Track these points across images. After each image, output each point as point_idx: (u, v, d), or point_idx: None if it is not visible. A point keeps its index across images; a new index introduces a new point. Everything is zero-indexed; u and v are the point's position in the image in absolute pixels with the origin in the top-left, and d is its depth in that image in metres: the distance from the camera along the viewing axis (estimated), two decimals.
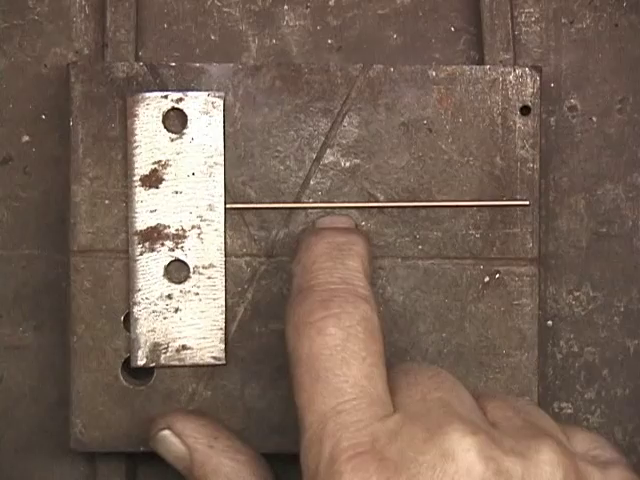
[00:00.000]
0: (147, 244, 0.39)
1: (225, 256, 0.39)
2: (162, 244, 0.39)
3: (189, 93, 0.39)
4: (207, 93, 0.39)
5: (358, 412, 0.29)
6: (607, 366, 0.42)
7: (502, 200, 0.39)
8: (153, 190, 0.39)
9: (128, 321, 0.39)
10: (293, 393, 0.31)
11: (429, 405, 0.30)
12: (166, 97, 0.39)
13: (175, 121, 0.39)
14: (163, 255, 0.39)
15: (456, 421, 0.29)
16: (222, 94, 0.39)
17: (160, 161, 0.39)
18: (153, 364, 0.39)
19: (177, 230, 0.39)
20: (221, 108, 0.39)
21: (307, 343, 0.30)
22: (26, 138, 0.41)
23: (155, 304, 0.39)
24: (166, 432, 0.35)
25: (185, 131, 0.39)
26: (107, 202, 0.39)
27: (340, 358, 0.30)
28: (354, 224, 0.37)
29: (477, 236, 0.39)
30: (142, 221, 0.39)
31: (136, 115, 0.38)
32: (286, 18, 0.41)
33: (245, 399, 0.39)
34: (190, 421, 0.36)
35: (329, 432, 0.29)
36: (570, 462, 0.29)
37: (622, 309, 0.42)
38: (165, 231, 0.39)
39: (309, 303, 0.31)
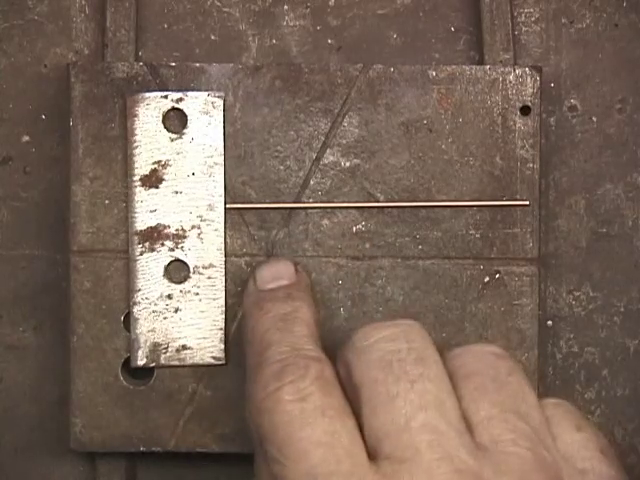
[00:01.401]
0: (147, 244, 0.39)
1: (225, 256, 0.39)
2: (162, 244, 0.39)
3: (189, 93, 0.39)
4: (207, 93, 0.39)
5: (332, 475, 0.29)
6: (607, 366, 0.42)
7: (502, 200, 0.39)
8: (153, 190, 0.39)
9: (128, 321, 0.39)
10: (269, 468, 0.30)
11: (415, 442, 0.29)
12: (166, 97, 0.39)
13: (175, 121, 0.39)
14: (163, 255, 0.39)
15: (447, 477, 0.28)
16: (222, 94, 0.39)
17: (160, 161, 0.39)
18: (153, 364, 0.39)
19: (177, 230, 0.39)
20: (221, 108, 0.39)
21: (267, 416, 0.31)
22: (26, 138, 0.41)
23: (155, 304, 0.39)
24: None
25: (185, 131, 0.39)
26: (107, 202, 0.39)
27: (299, 421, 0.30)
28: (293, 270, 0.37)
29: (477, 236, 0.39)
30: (142, 221, 0.39)
31: (136, 115, 0.38)
32: (286, 18, 0.41)
33: (245, 399, 0.39)
34: None
35: None
36: None
37: (622, 309, 0.42)
38: (165, 231, 0.39)
39: (263, 379, 0.32)
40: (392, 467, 0.29)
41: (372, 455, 0.30)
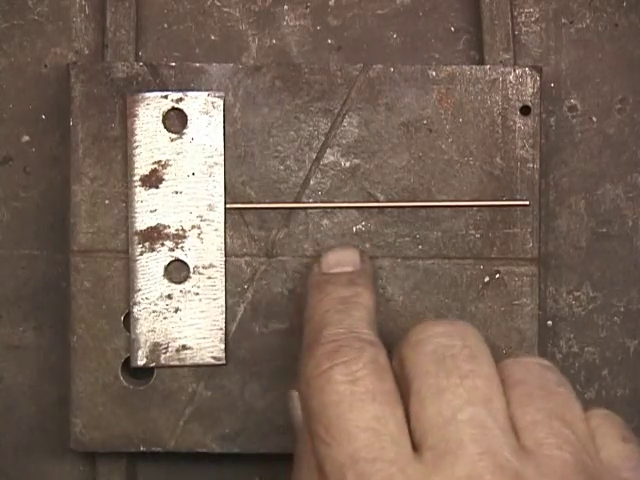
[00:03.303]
0: (147, 244, 0.39)
1: (225, 256, 0.39)
2: (162, 244, 0.39)
3: (189, 93, 0.39)
4: (207, 93, 0.39)
5: (376, 461, 0.29)
6: (607, 366, 0.42)
7: (502, 200, 0.39)
8: (153, 190, 0.39)
9: (128, 321, 0.39)
10: (315, 446, 0.30)
11: (460, 435, 0.29)
12: (166, 97, 0.39)
13: (175, 121, 0.39)
14: (163, 255, 0.39)
15: (489, 471, 0.28)
16: (222, 94, 0.39)
17: (160, 161, 0.39)
18: (153, 364, 0.39)
19: (177, 230, 0.39)
20: (221, 108, 0.39)
21: (317, 394, 0.31)
22: (26, 138, 0.41)
23: (155, 304, 0.39)
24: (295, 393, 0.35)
25: (185, 131, 0.39)
26: (107, 202, 0.39)
27: (348, 403, 0.30)
28: (358, 258, 0.37)
29: (477, 236, 0.39)
30: (142, 221, 0.39)
31: (136, 115, 0.38)
32: (286, 18, 0.41)
33: (245, 399, 0.39)
34: None
35: None
36: None
37: (622, 309, 0.42)
38: (165, 231, 0.39)
39: (316, 357, 0.31)
40: (434, 458, 0.29)
41: (417, 447, 0.30)
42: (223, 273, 0.39)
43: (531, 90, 0.39)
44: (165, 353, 0.39)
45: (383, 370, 0.31)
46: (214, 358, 0.39)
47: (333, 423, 0.30)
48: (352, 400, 0.30)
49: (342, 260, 0.37)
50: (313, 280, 0.37)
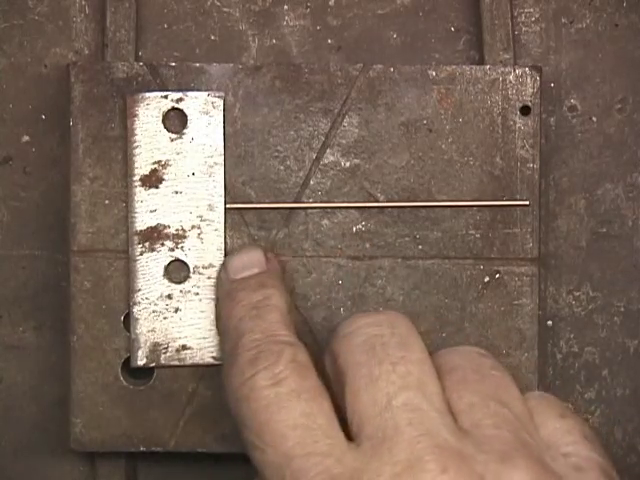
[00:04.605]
0: (147, 244, 0.39)
1: (225, 256, 0.39)
2: (162, 244, 0.39)
3: (189, 93, 0.39)
4: (207, 93, 0.39)
5: (310, 456, 0.29)
6: (607, 366, 0.42)
7: (502, 200, 0.39)
8: (153, 190, 0.39)
9: (128, 321, 0.39)
10: (251, 456, 0.31)
11: (396, 420, 0.29)
12: (166, 97, 0.39)
13: (175, 121, 0.39)
14: (163, 255, 0.39)
15: (428, 452, 0.28)
16: (222, 94, 0.39)
17: (160, 161, 0.39)
18: (153, 364, 0.39)
19: (177, 230, 0.39)
20: (221, 108, 0.39)
21: (244, 403, 0.31)
22: (26, 138, 0.41)
23: (155, 304, 0.39)
24: None
25: (185, 131, 0.39)
26: (107, 202, 0.39)
27: (276, 405, 0.30)
28: (263, 258, 0.37)
29: (477, 236, 0.39)
30: (142, 221, 0.39)
31: (136, 115, 0.38)
32: (286, 18, 0.41)
33: None
34: None
35: None
36: None
37: (622, 309, 0.42)
38: (165, 231, 0.39)
39: (238, 367, 0.32)
40: (372, 446, 0.29)
41: (355, 438, 0.30)
42: None
43: (531, 90, 0.39)
44: (165, 353, 0.39)
45: (304, 368, 0.31)
46: (214, 358, 0.39)
47: (264, 428, 0.30)
48: (278, 401, 0.30)
49: (247, 263, 0.37)
50: (222, 289, 0.37)
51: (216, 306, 0.38)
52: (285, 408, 0.30)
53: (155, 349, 0.39)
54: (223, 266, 0.38)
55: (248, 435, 0.31)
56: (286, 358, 0.31)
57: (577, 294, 0.42)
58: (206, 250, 0.39)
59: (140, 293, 0.39)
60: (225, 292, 0.36)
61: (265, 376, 0.31)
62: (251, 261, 0.37)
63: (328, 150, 0.39)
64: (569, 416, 0.32)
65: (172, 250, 0.39)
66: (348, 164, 0.39)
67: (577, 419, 0.33)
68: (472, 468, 0.28)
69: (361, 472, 0.28)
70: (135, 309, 0.39)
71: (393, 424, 0.29)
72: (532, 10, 0.42)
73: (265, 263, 0.37)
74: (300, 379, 0.31)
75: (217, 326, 0.37)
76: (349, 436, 0.30)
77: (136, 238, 0.39)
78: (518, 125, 0.39)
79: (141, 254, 0.39)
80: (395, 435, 0.29)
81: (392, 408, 0.29)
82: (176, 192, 0.39)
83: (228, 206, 0.39)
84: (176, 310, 0.39)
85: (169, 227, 0.39)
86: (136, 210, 0.39)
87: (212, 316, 0.39)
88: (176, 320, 0.39)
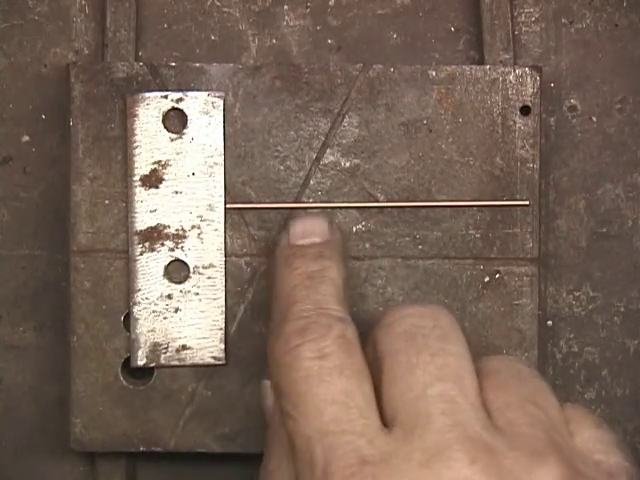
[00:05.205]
0: (147, 244, 0.39)
1: (225, 256, 0.39)
2: (162, 244, 0.39)
3: (189, 93, 0.39)
4: (207, 93, 0.39)
5: (344, 433, 0.29)
6: (607, 366, 0.42)
7: (502, 200, 0.39)
8: (153, 190, 0.39)
9: (128, 321, 0.39)
10: (285, 424, 0.30)
11: (429, 409, 0.29)
12: (166, 97, 0.39)
13: (175, 121, 0.39)
14: (163, 255, 0.39)
15: (458, 442, 0.28)
16: (222, 94, 0.39)
17: (160, 161, 0.39)
18: (153, 364, 0.39)
19: (177, 230, 0.39)
20: (221, 108, 0.39)
21: (286, 372, 0.31)
22: (26, 138, 0.41)
23: (155, 304, 0.39)
24: (266, 382, 0.35)
25: (185, 131, 0.39)
26: (107, 202, 0.39)
27: (317, 378, 0.30)
28: (327, 228, 0.37)
29: (477, 236, 0.39)
30: (142, 221, 0.39)
31: (136, 115, 0.38)
32: (286, 18, 0.41)
33: (245, 399, 0.39)
34: None
35: (318, 457, 0.29)
36: None
37: (622, 309, 0.42)
38: (165, 231, 0.39)
39: (285, 334, 0.32)
40: (404, 432, 0.29)
41: (389, 424, 0.30)
42: (223, 273, 0.39)
43: (531, 90, 0.39)
44: (165, 353, 0.39)
45: (351, 345, 0.31)
46: (214, 358, 0.39)
47: (301, 398, 0.30)
48: (320, 375, 0.30)
49: (309, 230, 0.36)
50: (281, 253, 0.36)
51: (272, 267, 0.37)
52: (325, 382, 0.30)
53: (155, 349, 0.39)
54: (285, 229, 0.37)
55: (284, 403, 0.30)
56: (335, 333, 0.31)
57: (577, 294, 0.42)
58: (206, 250, 0.39)
59: (140, 293, 0.39)
60: (283, 257, 0.36)
61: (311, 348, 0.31)
62: (313, 229, 0.36)
63: (328, 150, 0.39)
64: (603, 426, 0.32)
65: (172, 250, 0.39)
66: (348, 164, 0.39)
67: (611, 430, 0.33)
68: (501, 462, 0.28)
69: (390, 456, 0.28)
70: (135, 309, 0.39)
71: (426, 412, 0.29)
72: (532, 10, 0.42)
73: (328, 233, 0.36)
74: (345, 356, 0.31)
75: (270, 289, 0.36)
76: (384, 422, 0.30)
77: (136, 238, 0.39)
78: (518, 125, 0.39)
79: (141, 254, 0.39)
80: (427, 423, 0.29)
81: (427, 397, 0.29)
82: (176, 192, 0.39)
83: (228, 206, 0.39)
84: (176, 310, 0.39)
85: (169, 227, 0.39)
86: (136, 210, 0.39)
87: (212, 316, 0.39)
88: (176, 320, 0.39)
